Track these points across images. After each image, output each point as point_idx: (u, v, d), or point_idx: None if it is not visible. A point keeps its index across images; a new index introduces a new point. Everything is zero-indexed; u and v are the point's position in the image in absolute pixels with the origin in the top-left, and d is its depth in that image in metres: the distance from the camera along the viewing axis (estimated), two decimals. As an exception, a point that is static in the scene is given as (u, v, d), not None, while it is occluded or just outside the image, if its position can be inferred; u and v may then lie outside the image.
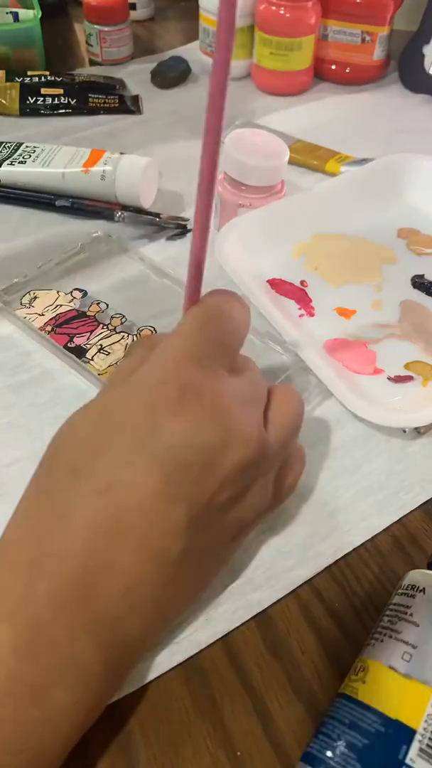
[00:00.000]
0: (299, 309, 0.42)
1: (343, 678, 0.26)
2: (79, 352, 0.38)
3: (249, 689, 0.27)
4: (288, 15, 0.60)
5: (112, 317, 0.41)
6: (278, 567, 0.30)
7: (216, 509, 0.24)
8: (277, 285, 0.44)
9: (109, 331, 0.39)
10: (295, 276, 0.45)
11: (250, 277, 0.42)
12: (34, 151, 0.52)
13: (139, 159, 0.50)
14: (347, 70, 0.67)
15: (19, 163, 0.50)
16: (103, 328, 0.40)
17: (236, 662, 0.27)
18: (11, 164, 0.50)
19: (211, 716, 0.26)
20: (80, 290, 0.42)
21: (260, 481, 0.26)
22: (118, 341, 0.39)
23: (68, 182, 0.50)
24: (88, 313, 0.41)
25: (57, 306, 0.41)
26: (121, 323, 0.40)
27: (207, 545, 0.25)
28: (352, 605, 0.29)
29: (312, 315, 0.42)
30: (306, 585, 0.30)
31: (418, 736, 0.22)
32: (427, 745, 0.22)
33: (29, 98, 0.59)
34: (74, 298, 0.42)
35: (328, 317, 0.42)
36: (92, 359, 0.37)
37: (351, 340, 0.41)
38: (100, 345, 0.38)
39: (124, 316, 0.41)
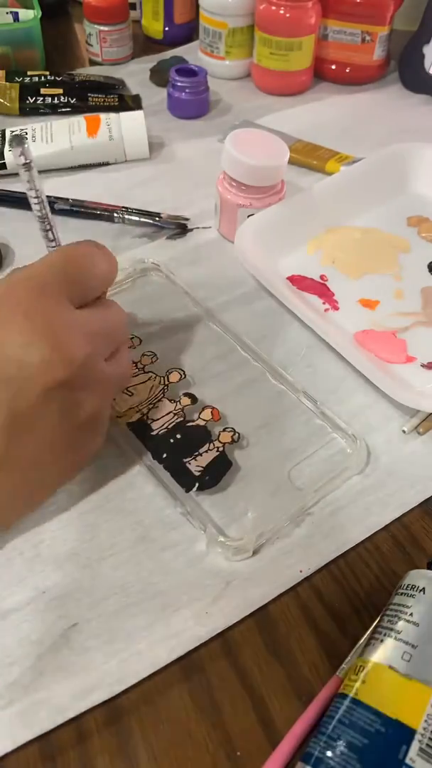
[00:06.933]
0: (323, 303, 0.43)
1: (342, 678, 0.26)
2: None
3: (249, 689, 0.27)
4: (288, 15, 0.60)
5: (143, 355, 0.38)
6: (279, 564, 0.30)
7: (42, 418, 0.26)
8: (298, 281, 0.44)
9: (137, 370, 0.37)
10: (314, 271, 0.45)
11: (270, 275, 0.42)
12: (27, 133, 0.52)
13: (135, 114, 0.54)
14: (347, 70, 0.67)
15: None
16: (131, 366, 0.36)
17: (236, 662, 0.28)
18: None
19: (211, 716, 0.26)
20: None
21: (90, 396, 0.28)
22: (143, 382, 0.36)
23: (77, 152, 0.52)
24: None
25: None
26: (152, 362, 0.37)
27: (36, 451, 0.26)
28: (352, 605, 0.29)
29: (336, 308, 0.42)
30: (306, 585, 0.30)
31: (417, 736, 0.22)
32: (427, 745, 0.22)
33: (29, 98, 0.59)
34: None
35: (352, 310, 0.42)
36: (113, 399, 0.34)
37: (379, 330, 0.41)
38: None
39: (155, 355, 0.38)
